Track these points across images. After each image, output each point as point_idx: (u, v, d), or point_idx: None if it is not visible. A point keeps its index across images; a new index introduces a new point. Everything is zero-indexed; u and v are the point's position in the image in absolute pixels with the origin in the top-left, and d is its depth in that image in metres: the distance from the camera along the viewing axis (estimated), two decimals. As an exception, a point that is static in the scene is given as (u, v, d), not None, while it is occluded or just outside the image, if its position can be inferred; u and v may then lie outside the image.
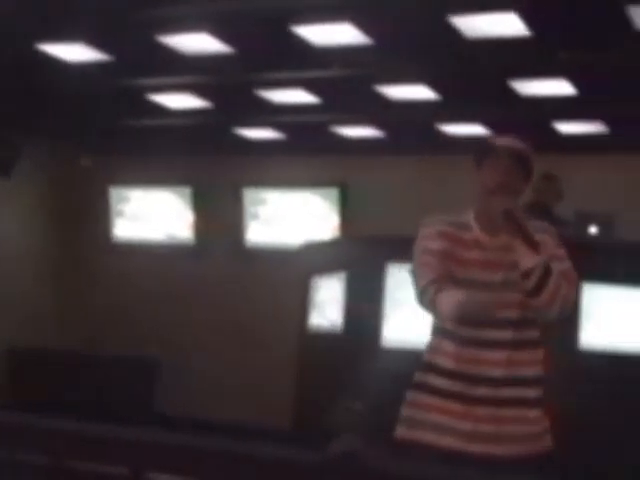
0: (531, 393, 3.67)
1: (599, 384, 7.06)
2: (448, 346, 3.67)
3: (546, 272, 3.52)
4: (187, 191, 12.50)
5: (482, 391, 3.61)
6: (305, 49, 8.06)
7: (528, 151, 3.83)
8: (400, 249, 8.61)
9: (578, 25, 7.26)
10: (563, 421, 4.02)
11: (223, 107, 10.30)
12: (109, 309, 12.74)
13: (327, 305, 8.99)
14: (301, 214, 11.92)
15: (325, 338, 8.84)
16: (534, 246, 3.54)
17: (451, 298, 3.50)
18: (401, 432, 3.73)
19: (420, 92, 9.13)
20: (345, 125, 10.81)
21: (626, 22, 7.02)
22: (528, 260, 3.53)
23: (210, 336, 12.05)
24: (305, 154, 11.73)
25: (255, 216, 12.14)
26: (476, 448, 3.59)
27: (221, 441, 2.40)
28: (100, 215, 13.00)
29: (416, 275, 3.69)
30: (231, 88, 9.67)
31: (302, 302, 9.23)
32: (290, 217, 11.96)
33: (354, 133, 11.03)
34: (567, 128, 10.02)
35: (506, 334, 3.62)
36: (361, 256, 8.58)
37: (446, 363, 3.67)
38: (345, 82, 9.01)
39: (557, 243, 3.72)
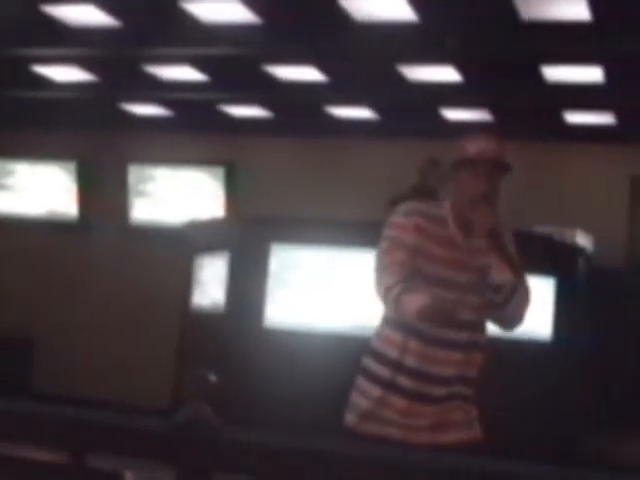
0: (470, 392, 3.81)
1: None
2: (414, 344, 3.69)
3: (513, 290, 3.64)
4: (72, 166, 12.29)
5: (438, 390, 3.70)
6: (193, 26, 8.00)
7: (505, 154, 3.77)
8: (285, 230, 8.67)
9: (465, 12, 7.35)
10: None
11: (110, 81, 10.16)
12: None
13: (210, 284, 8.96)
14: (187, 192, 11.84)
15: (207, 317, 8.81)
16: (513, 266, 3.63)
17: (417, 301, 3.50)
18: (351, 420, 3.80)
19: (309, 73, 9.14)
20: (233, 104, 10.76)
21: (512, 11, 7.13)
22: (501, 275, 3.62)
23: (93, 314, 11.91)
24: (193, 132, 11.65)
25: (141, 193, 12.00)
26: (422, 438, 3.70)
27: (70, 410, 2.38)
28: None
29: (382, 268, 3.68)
30: (118, 62, 9.55)
31: (186, 280, 9.19)
32: (176, 195, 11.87)
33: (242, 112, 10.99)
34: (453, 114, 10.14)
35: (462, 335, 3.69)
36: (245, 236, 8.57)
37: (413, 362, 3.69)
38: (233, 61, 8.97)
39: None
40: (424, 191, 8.49)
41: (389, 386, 3.73)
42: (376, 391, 3.75)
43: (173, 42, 8.40)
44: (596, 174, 10.35)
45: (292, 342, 8.11)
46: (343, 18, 7.53)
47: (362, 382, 3.81)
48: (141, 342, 11.55)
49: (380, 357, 3.76)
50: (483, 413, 3.98)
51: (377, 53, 8.52)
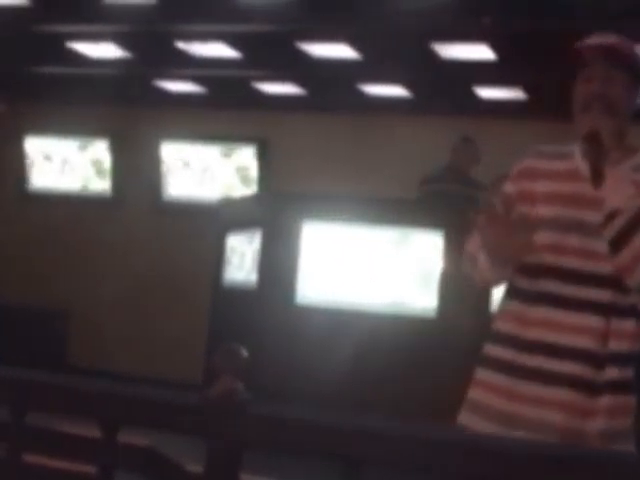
0: (629, 374, 2.71)
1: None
2: (535, 312, 2.75)
3: (634, 222, 2.57)
4: (105, 142, 12.36)
5: (573, 367, 2.65)
6: (227, 2, 8.00)
7: (630, 48, 2.83)
8: (317, 207, 8.68)
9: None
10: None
11: (143, 58, 10.18)
12: (22, 260, 12.57)
13: (242, 260, 8.99)
14: (219, 169, 11.86)
15: (239, 292, 8.85)
16: (597, 180, 2.61)
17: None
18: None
19: (342, 51, 9.12)
20: (266, 81, 10.76)
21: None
22: (615, 198, 2.59)
23: (126, 289, 11.97)
24: (225, 109, 11.66)
25: (173, 169, 12.04)
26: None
27: (102, 384, 2.41)
28: (16, 163, 12.78)
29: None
30: (152, 39, 9.56)
31: (218, 256, 9.22)
32: (208, 172, 11.90)
33: (275, 89, 10.99)
34: (487, 93, 10.09)
35: (603, 295, 2.66)
36: (278, 213, 8.59)
37: (511, 329, 2.78)
38: (267, 37, 8.96)
39: None
40: (455, 170, 8.49)
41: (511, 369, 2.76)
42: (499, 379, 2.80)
43: (207, 18, 8.40)
44: None
45: (324, 319, 8.13)
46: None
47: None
48: (174, 317, 11.61)
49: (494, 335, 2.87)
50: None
51: (411, 30, 8.48)
